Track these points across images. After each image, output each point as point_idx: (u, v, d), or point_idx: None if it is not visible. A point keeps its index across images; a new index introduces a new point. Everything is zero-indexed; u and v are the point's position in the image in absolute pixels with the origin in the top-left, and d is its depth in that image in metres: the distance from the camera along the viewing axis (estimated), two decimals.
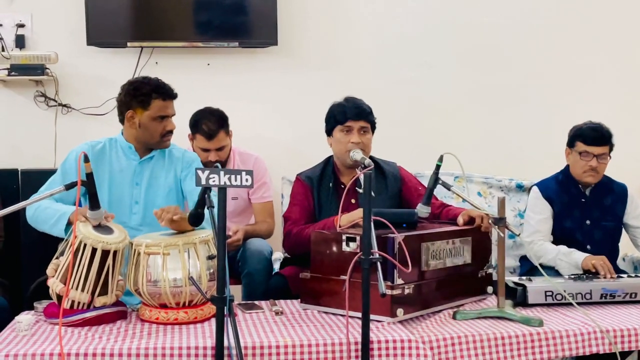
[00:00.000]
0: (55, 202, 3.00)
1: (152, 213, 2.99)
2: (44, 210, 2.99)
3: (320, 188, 3.33)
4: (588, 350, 2.62)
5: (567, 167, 3.66)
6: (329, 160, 3.40)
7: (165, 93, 3.15)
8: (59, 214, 2.93)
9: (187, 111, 3.80)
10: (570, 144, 3.61)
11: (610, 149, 3.56)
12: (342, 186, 3.29)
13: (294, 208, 3.33)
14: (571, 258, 3.42)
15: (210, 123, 3.70)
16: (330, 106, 3.36)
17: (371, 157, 3.29)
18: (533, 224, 3.61)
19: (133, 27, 4.27)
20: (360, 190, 2.54)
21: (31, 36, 4.24)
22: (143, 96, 3.12)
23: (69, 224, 2.89)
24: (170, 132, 3.19)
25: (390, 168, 3.40)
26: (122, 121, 3.20)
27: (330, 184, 3.32)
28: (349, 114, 3.26)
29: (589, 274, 3.21)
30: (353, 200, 3.22)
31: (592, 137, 3.53)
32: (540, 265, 3.45)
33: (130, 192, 3.17)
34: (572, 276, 3.14)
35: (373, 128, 3.33)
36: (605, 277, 3.12)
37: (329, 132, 3.34)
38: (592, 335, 2.62)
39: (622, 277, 3.14)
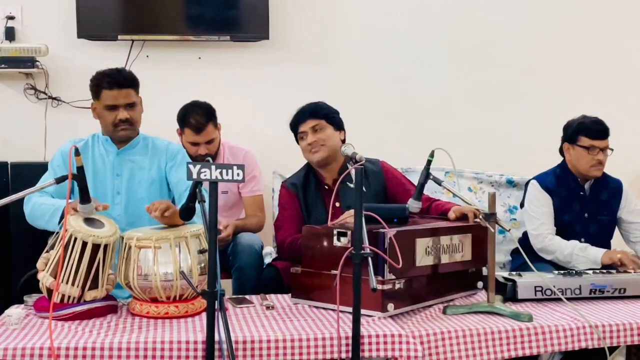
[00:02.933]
0: (51, 197, 3.00)
1: (134, 204, 3.01)
2: (40, 207, 3.00)
3: (305, 193, 3.34)
4: (577, 345, 2.63)
5: (564, 161, 3.68)
6: (309, 165, 3.41)
7: (112, 82, 3.14)
8: (53, 208, 2.94)
9: (178, 105, 3.80)
10: (572, 139, 3.61)
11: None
12: (326, 187, 3.31)
13: (283, 217, 3.34)
14: (588, 253, 3.46)
15: (198, 116, 3.69)
16: None
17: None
18: (538, 217, 3.61)
19: (124, 20, 4.26)
20: (352, 185, 2.54)
21: (21, 28, 4.22)
22: (95, 87, 3.16)
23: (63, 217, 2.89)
24: (123, 121, 3.14)
25: (372, 165, 3.39)
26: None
27: (315, 187, 3.33)
28: (297, 121, 3.33)
29: (610, 269, 3.24)
30: (338, 204, 3.21)
31: (597, 130, 3.56)
32: (549, 261, 3.49)
33: (111, 183, 3.17)
34: (562, 272, 3.16)
35: (333, 123, 3.32)
36: (635, 271, 3.16)
37: (298, 142, 3.39)
38: (581, 330, 2.63)
39: (611, 272, 3.16)
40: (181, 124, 3.76)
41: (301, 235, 3.10)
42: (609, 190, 3.68)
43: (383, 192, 3.36)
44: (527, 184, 3.78)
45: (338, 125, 3.36)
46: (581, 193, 3.64)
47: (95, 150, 3.20)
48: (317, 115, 3.31)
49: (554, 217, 3.62)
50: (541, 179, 3.69)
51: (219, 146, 3.84)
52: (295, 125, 3.35)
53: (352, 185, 2.57)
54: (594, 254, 3.44)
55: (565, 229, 3.59)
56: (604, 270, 3.19)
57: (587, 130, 3.57)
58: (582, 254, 3.47)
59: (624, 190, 3.70)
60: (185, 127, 3.72)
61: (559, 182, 3.65)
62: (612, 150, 3.60)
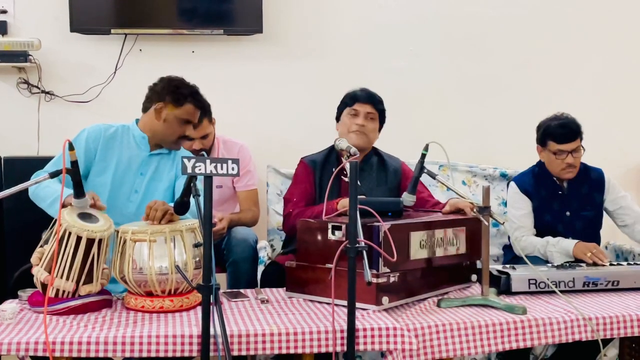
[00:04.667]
0: (59, 181, 3.00)
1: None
2: (44, 189, 2.97)
3: (322, 172, 3.38)
4: (571, 337, 2.64)
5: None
6: (333, 147, 3.42)
7: (200, 101, 3.21)
8: (56, 194, 2.91)
9: None
10: (542, 142, 3.60)
11: (581, 140, 3.56)
12: (345, 172, 3.31)
13: (295, 190, 3.38)
14: (561, 247, 3.44)
15: None
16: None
17: (375, 149, 3.35)
18: (515, 220, 3.61)
19: (117, 14, 4.24)
20: (346, 179, 2.54)
21: (14, 22, 4.20)
22: (180, 95, 3.15)
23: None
24: (186, 138, 3.21)
25: (393, 162, 3.47)
26: (146, 109, 3.21)
27: (333, 169, 3.34)
28: (359, 98, 3.37)
29: (582, 261, 3.24)
30: None
31: (563, 134, 3.51)
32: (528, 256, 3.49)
33: (132, 180, 3.17)
34: (555, 265, 3.17)
35: (382, 118, 3.41)
36: (605, 265, 3.16)
37: (338, 117, 3.42)
38: (575, 322, 2.65)
39: (604, 264, 3.17)
40: None
41: (309, 208, 3.13)
42: (590, 183, 3.64)
43: (397, 188, 3.40)
44: (508, 184, 3.78)
45: (382, 123, 3.45)
46: (559, 192, 3.62)
47: (124, 142, 3.19)
48: (377, 106, 3.39)
49: (535, 218, 3.61)
50: (520, 180, 3.69)
51: (213, 140, 3.84)
52: (353, 100, 3.37)
53: (346, 179, 2.57)
54: (566, 247, 3.41)
55: (548, 230, 3.58)
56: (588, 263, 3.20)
57: (553, 135, 3.53)
58: (555, 248, 3.45)
59: (607, 179, 3.66)
60: None
61: (538, 182, 3.64)
62: (584, 149, 3.54)
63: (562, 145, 3.51)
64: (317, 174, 3.37)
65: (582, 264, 3.15)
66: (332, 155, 3.43)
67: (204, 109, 3.25)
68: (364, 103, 3.35)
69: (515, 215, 3.63)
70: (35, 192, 3.02)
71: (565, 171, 3.55)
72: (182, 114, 3.16)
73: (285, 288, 2.92)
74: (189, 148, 3.67)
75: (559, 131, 3.52)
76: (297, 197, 3.33)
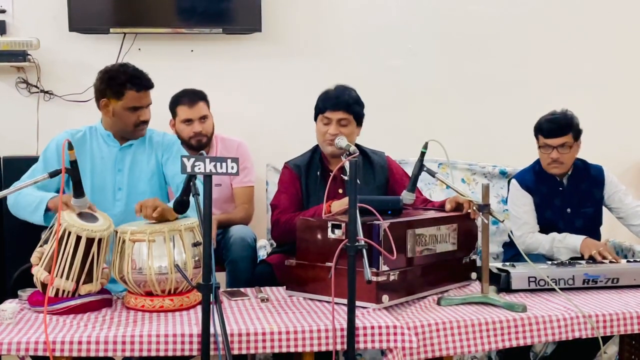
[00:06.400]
0: (37, 189, 2.97)
1: (136, 199, 2.99)
2: (24, 197, 2.96)
3: (308, 176, 3.31)
4: (571, 335, 2.65)
5: None
6: (316, 149, 3.37)
7: (140, 84, 3.10)
8: (38, 200, 2.91)
9: (170, 98, 3.80)
10: (536, 137, 3.61)
11: (576, 137, 3.54)
12: (330, 174, 3.28)
13: (281, 196, 3.30)
14: (567, 243, 3.44)
15: (189, 94, 3.78)
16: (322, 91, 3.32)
17: (359, 146, 3.27)
18: (519, 216, 3.61)
19: (116, 13, 4.24)
20: (347, 178, 2.54)
21: (12, 22, 4.20)
22: (117, 86, 3.08)
23: (47, 210, 2.88)
24: (144, 122, 3.14)
25: (378, 158, 3.38)
26: (98, 107, 3.18)
27: (318, 172, 3.30)
28: (327, 104, 3.20)
29: (589, 258, 3.24)
30: (340, 190, 3.21)
31: (549, 129, 3.52)
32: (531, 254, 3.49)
33: (112, 178, 3.15)
34: (555, 262, 3.17)
35: (358, 119, 3.24)
36: (611, 262, 3.16)
37: (315, 118, 3.32)
38: (575, 320, 2.65)
39: (604, 262, 3.17)
40: (173, 106, 3.78)
41: (298, 213, 3.11)
42: (590, 180, 3.64)
43: (385, 185, 3.35)
44: (509, 182, 3.78)
45: (360, 122, 3.28)
46: (560, 188, 3.62)
47: (93, 144, 3.16)
48: (349, 109, 3.19)
49: (537, 215, 3.61)
50: (520, 177, 3.69)
51: (212, 132, 3.83)
52: (323, 105, 3.22)
53: (347, 178, 2.57)
54: (573, 243, 3.42)
55: (549, 227, 3.57)
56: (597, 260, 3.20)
57: (541, 129, 3.55)
58: (562, 244, 3.45)
59: (606, 176, 3.66)
60: (178, 106, 3.75)
61: (538, 179, 3.63)
62: (576, 144, 3.53)
63: (548, 140, 3.53)
64: (303, 179, 3.29)
65: (581, 262, 3.15)
66: (316, 157, 3.33)
67: (146, 86, 3.11)
68: (335, 110, 3.18)
69: (518, 212, 3.62)
70: (17, 199, 2.99)
71: (551, 166, 3.56)
72: (127, 103, 3.08)
73: (283, 287, 2.92)
74: (190, 132, 3.67)
75: (546, 126, 3.54)
76: (284, 204, 3.25)
